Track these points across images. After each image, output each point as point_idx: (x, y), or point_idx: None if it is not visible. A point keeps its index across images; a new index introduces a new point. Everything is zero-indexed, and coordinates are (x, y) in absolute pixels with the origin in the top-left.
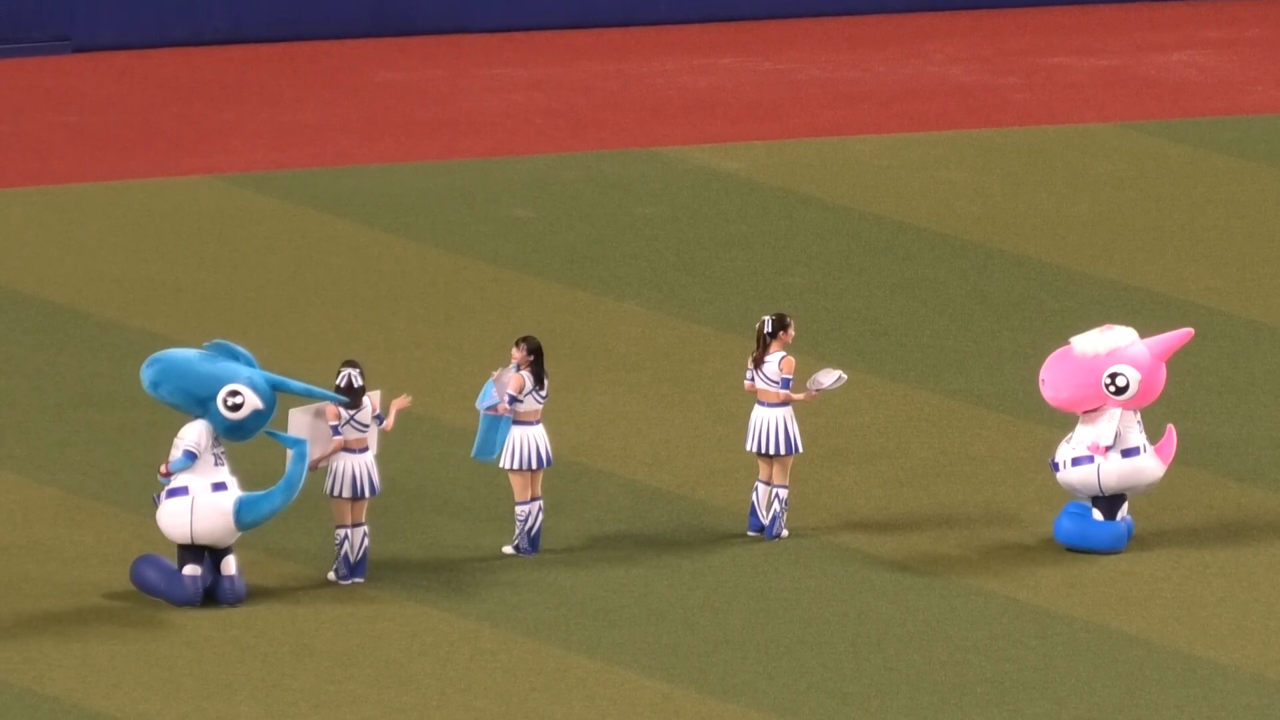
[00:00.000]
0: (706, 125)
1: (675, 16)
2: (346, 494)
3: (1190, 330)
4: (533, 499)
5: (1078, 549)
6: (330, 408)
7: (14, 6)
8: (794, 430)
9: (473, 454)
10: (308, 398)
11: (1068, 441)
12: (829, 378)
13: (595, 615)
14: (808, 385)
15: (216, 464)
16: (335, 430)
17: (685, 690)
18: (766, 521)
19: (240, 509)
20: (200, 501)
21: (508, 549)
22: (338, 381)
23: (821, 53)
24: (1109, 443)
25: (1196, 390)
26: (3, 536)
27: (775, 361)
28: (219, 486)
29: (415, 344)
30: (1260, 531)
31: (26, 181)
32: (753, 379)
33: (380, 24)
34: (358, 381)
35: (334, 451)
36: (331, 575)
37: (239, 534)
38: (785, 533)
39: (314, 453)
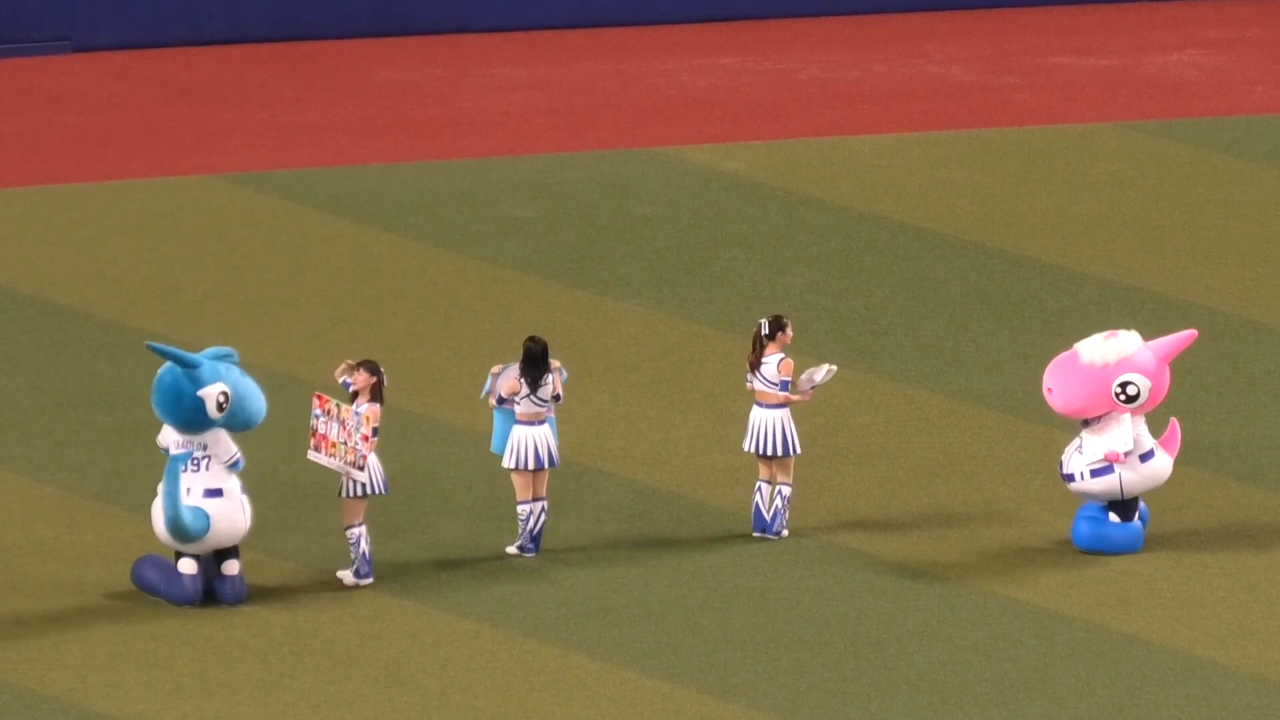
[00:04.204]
0: (706, 125)
1: (675, 16)
2: (380, 491)
3: (1194, 332)
4: (535, 499)
5: (1096, 553)
6: (373, 409)
7: (14, 6)
8: (791, 431)
9: (492, 449)
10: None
11: (1079, 451)
12: (819, 373)
13: (595, 615)
14: (800, 384)
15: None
16: (374, 431)
17: (685, 690)
18: (769, 517)
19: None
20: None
21: (511, 549)
22: (384, 384)
23: (821, 53)
24: (1128, 448)
25: (1196, 390)
26: (3, 536)
27: (774, 363)
28: (212, 493)
29: (415, 344)
30: (1260, 532)
31: (26, 181)
32: (752, 381)
33: (380, 24)
34: (385, 381)
35: (372, 448)
36: (349, 577)
37: (177, 539)
38: (785, 531)
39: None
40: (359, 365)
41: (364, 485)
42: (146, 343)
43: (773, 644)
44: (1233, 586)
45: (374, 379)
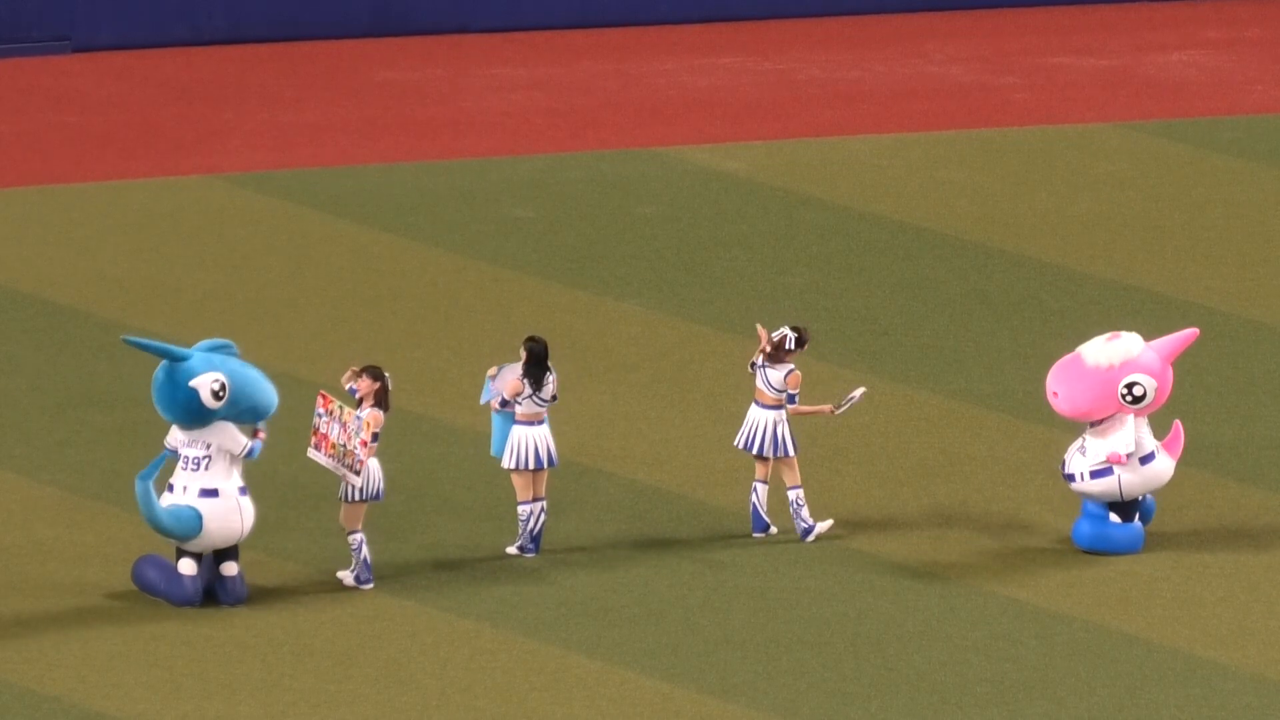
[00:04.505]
0: (706, 125)
1: (675, 16)
2: (381, 497)
3: (1195, 330)
4: (535, 499)
5: (1097, 552)
6: (374, 415)
7: (14, 6)
8: (784, 433)
9: (493, 452)
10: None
11: (1081, 452)
12: (855, 397)
13: (595, 615)
14: (843, 409)
15: (180, 466)
16: (374, 437)
17: (685, 690)
18: (769, 521)
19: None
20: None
21: (511, 549)
22: (389, 389)
23: (821, 53)
24: (1130, 449)
25: (1196, 390)
26: (3, 536)
27: (782, 373)
28: (169, 488)
29: (415, 344)
30: (1260, 532)
31: (26, 181)
32: (756, 373)
33: (380, 24)
34: (390, 386)
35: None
36: (350, 580)
37: (168, 537)
38: (823, 524)
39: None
40: (362, 371)
41: (360, 490)
42: (122, 336)
43: (773, 644)
44: (1233, 586)
45: (377, 384)
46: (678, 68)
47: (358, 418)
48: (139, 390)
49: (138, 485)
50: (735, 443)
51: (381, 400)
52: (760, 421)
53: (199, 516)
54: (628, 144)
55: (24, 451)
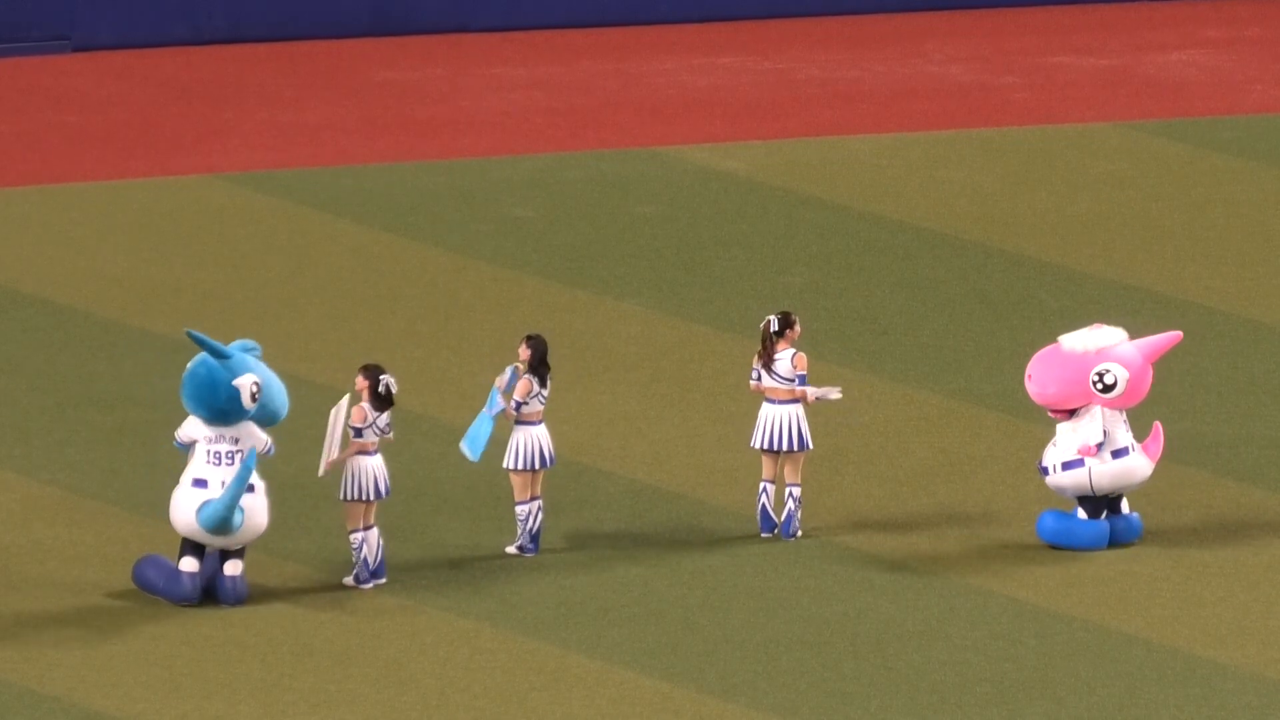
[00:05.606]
0: (706, 125)
1: (675, 16)
2: (371, 497)
3: (1179, 334)
4: (532, 498)
5: (1060, 548)
6: (356, 409)
7: (14, 6)
8: (805, 427)
9: (473, 457)
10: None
11: (1053, 445)
12: (830, 393)
13: (595, 614)
14: (816, 394)
15: (208, 461)
16: (358, 433)
17: (684, 689)
18: (780, 520)
19: (200, 510)
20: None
21: (510, 549)
22: (379, 390)
23: (821, 53)
24: (1099, 440)
25: (1196, 390)
26: (3, 536)
27: (787, 359)
28: (199, 483)
29: (415, 344)
30: (1260, 531)
31: (26, 181)
32: (759, 378)
33: (380, 24)
34: (394, 388)
35: (352, 453)
36: (350, 581)
37: (217, 534)
38: (800, 532)
39: (334, 453)
40: (361, 370)
41: (348, 490)
42: (186, 330)
43: (773, 644)
44: (1232, 586)
45: (367, 383)
46: (678, 67)
47: (338, 410)
48: (139, 390)
49: (245, 464)
50: (754, 443)
51: (373, 398)
52: (778, 418)
53: (243, 513)
54: (627, 143)
55: (24, 451)
